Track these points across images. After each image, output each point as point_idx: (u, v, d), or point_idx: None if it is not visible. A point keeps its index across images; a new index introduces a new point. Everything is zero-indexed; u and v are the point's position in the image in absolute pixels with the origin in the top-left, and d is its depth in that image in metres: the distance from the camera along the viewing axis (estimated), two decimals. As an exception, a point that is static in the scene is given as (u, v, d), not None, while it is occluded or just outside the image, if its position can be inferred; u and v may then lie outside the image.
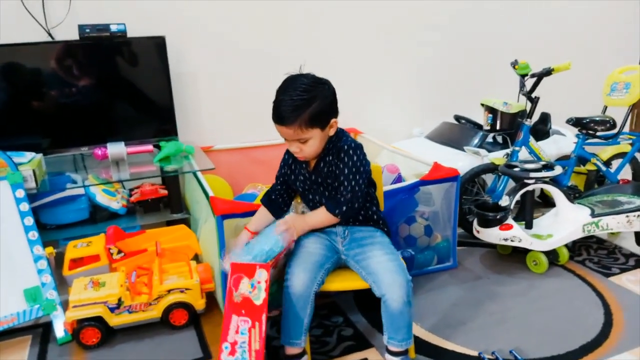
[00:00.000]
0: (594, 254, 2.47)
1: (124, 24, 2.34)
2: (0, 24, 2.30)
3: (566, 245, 2.34)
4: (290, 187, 1.78)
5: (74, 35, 2.31)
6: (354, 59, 2.97)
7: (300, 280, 1.59)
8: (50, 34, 2.37)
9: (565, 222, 2.33)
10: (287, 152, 1.73)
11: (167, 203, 2.48)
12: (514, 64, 2.57)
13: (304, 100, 1.53)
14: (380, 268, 1.60)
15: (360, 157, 1.63)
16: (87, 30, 2.29)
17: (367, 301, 2.09)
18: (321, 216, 1.68)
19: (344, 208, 1.64)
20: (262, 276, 1.54)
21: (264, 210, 1.79)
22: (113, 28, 2.31)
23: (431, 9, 3.07)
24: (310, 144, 1.59)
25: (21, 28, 2.32)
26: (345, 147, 1.62)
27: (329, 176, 1.65)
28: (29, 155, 2.14)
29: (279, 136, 1.61)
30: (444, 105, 3.18)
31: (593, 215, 2.32)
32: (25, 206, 1.94)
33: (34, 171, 2.04)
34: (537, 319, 1.96)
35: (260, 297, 1.53)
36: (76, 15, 2.38)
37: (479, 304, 2.07)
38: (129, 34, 2.35)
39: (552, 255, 2.32)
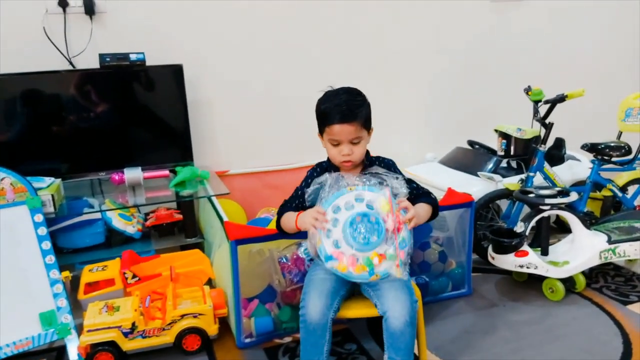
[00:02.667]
0: (611, 281, 2.43)
1: (143, 53, 2.40)
2: (24, 52, 2.37)
3: (583, 272, 2.31)
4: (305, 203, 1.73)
5: (94, 63, 2.38)
6: (367, 83, 2.97)
7: (316, 307, 1.57)
8: (71, 63, 2.44)
9: (581, 249, 2.30)
10: (316, 169, 1.75)
11: (182, 227, 2.51)
12: (528, 90, 2.58)
13: (361, 101, 1.66)
14: (385, 286, 1.59)
15: None
16: (108, 59, 2.36)
17: (380, 329, 2.06)
18: (426, 209, 1.68)
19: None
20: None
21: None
22: (132, 57, 2.38)
23: (445, 34, 3.11)
24: (360, 146, 1.66)
25: (44, 57, 2.39)
26: (391, 162, 1.78)
27: None
28: (48, 180, 2.18)
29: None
30: (457, 130, 3.18)
31: (610, 242, 2.29)
32: (43, 230, 1.97)
33: (52, 196, 2.08)
34: (553, 347, 1.93)
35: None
36: (97, 44, 2.45)
37: (494, 332, 2.04)
38: (148, 63, 2.41)
39: (568, 283, 2.29)
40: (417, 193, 1.72)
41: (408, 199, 1.61)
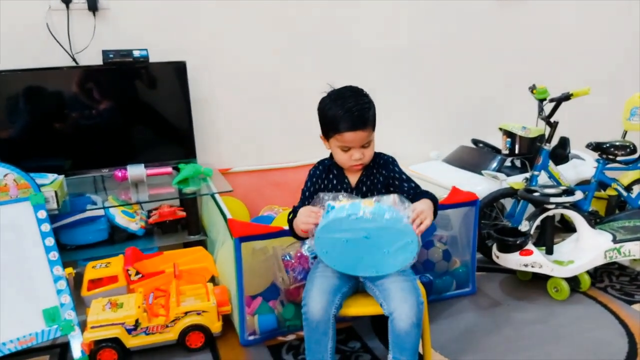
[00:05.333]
0: (615, 280, 2.42)
1: (146, 49, 2.39)
2: (27, 48, 2.37)
3: (587, 272, 2.30)
4: None
5: (97, 60, 2.37)
6: (371, 82, 2.96)
7: (317, 304, 1.56)
8: (74, 59, 2.43)
9: (586, 248, 2.29)
10: (319, 167, 1.72)
11: (185, 225, 2.50)
12: (532, 89, 2.57)
13: (369, 102, 1.61)
14: (392, 286, 1.57)
15: None
16: (111, 56, 2.35)
17: (384, 326, 2.05)
18: (429, 204, 1.56)
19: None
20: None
21: None
22: (136, 54, 2.37)
23: (450, 32, 3.10)
24: (370, 148, 1.63)
25: (47, 53, 2.39)
26: (390, 159, 1.72)
27: (372, 189, 1.67)
28: (52, 176, 2.18)
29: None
30: (462, 129, 3.17)
31: (615, 241, 2.28)
32: (46, 227, 1.96)
33: (55, 192, 2.08)
34: (558, 347, 1.92)
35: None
36: (100, 40, 2.44)
37: (498, 331, 2.03)
38: (151, 59, 2.40)
39: (573, 282, 2.28)
40: (415, 192, 1.65)
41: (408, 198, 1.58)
